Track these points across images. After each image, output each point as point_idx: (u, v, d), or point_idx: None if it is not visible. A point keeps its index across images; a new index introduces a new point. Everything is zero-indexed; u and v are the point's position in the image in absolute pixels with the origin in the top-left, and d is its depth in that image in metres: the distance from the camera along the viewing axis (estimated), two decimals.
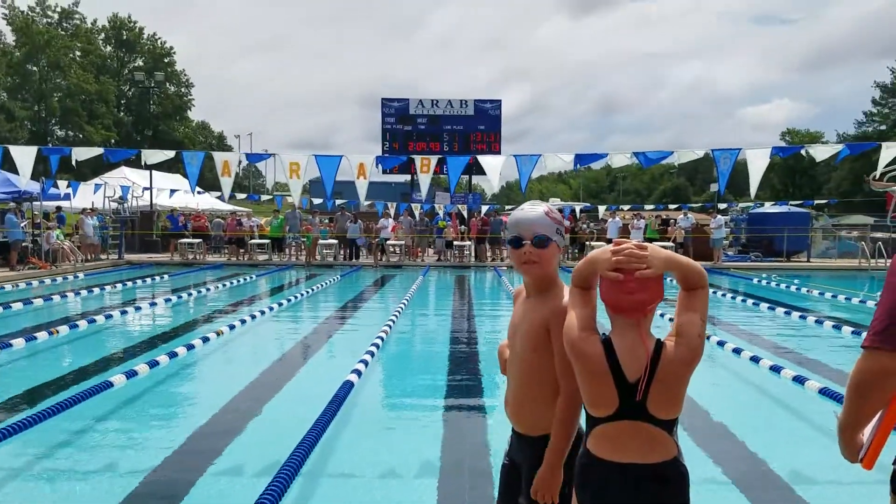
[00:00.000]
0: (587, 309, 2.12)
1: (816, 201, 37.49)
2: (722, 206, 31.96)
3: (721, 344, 8.60)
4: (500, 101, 32.03)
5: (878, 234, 25.44)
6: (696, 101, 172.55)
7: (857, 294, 14.46)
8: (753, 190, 11.67)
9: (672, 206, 34.90)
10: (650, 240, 23.56)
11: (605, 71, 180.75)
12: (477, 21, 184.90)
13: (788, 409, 6.29)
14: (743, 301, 14.06)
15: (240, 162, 16.81)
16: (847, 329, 9.94)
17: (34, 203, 21.24)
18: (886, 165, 14.14)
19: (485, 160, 13.18)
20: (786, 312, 11.95)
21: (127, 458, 4.84)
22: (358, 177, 12.32)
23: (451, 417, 5.98)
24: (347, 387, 6.19)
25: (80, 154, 13.54)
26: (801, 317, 11.47)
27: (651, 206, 36.67)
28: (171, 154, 14.13)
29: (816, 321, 10.89)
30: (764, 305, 12.89)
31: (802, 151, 14.58)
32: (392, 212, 26.53)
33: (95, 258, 22.46)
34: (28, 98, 56.50)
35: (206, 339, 8.82)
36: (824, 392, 6.20)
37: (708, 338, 9.05)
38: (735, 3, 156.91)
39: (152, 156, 13.83)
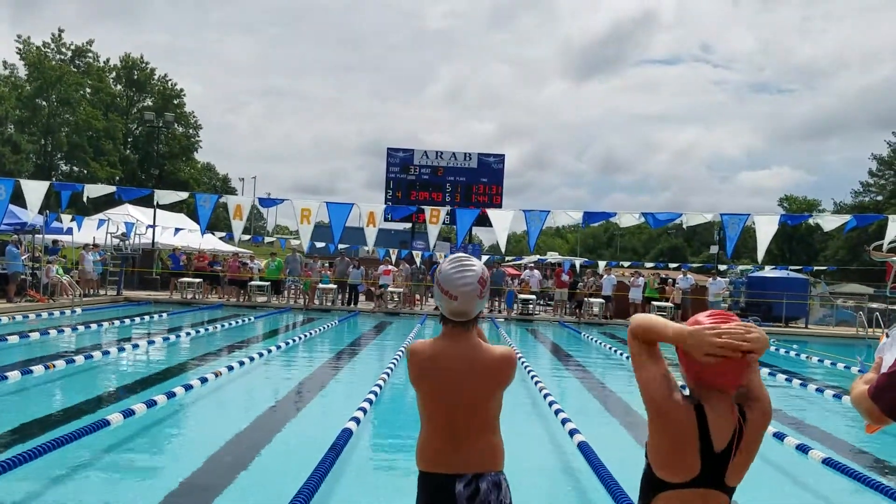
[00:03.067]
0: (662, 365, 2.07)
1: (815, 268, 37.68)
2: (722, 267, 32.05)
3: None
4: (503, 155, 32.50)
5: (875, 305, 25.48)
6: (695, 164, 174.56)
7: (855, 363, 14.41)
8: (761, 254, 11.78)
9: (672, 266, 35.04)
10: (649, 299, 23.66)
11: (606, 131, 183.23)
12: (480, 79, 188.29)
13: (791, 477, 6.22)
14: None
15: (253, 207, 16.93)
16: (847, 399, 9.88)
17: (35, 236, 21.27)
18: (894, 237, 14.27)
19: (493, 214, 13.32)
20: (787, 379, 11.90)
21: (120, 500, 4.77)
22: (367, 224, 12.42)
23: None
24: (346, 435, 6.12)
25: (93, 191, 13.65)
26: (801, 384, 11.42)
27: (651, 265, 36.79)
28: (184, 195, 14.26)
29: (817, 389, 10.84)
30: (765, 371, 12.84)
31: (810, 220, 14.75)
32: (393, 258, 26.62)
33: (94, 294, 22.39)
34: (35, 132, 57.03)
35: (204, 380, 8.75)
36: (828, 462, 6.15)
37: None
38: (732, 74, 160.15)
39: (165, 196, 13.95)
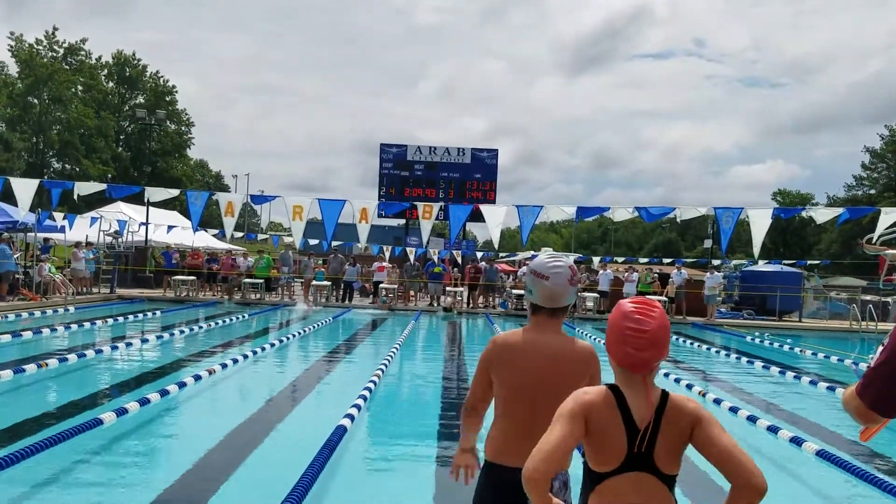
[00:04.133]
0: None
1: (808, 262, 37.78)
2: (716, 262, 32.12)
3: (717, 402, 8.55)
4: (496, 150, 32.45)
5: (868, 297, 25.58)
6: (688, 159, 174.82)
7: (849, 356, 14.47)
8: (757, 249, 11.83)
9: (666, 261, 35.08)
10: (643, 293, 23.68)
11: (599, 127, 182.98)
12: (473, 75, 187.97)
13: (785, 470, 6.24)
14: (737, 359, 14.05)
15: (245, 203, 16.87)
16: (841, 391, 9.91)
17: (28, 234, 21.16)
18: (885, 229, 14.33)
19: (486, 209, 13.29)
20: (780, 372, 11.93)
21: (113, 499, 4.74)
22: (360, 221, 12.38)
23: (444, 463, 5.90)
24: (340, 431, 6.11)
25: (83, 189, 13.58)
26: (795, 377, 11.46)
27: (645, 260, 36.82)
28: (175, 192, 14.21)
29: (811, 382, 10.87)
30: (758, 364, 12.88)
31: (803, 213, 14.79)
32: (387, 255, 26.59)
33: (87, 292, 22.30)
34: (27, 130, 56.74)
35: (197, 378, 8.72)
36: (821, 454, 6.16)
37: (703, 395, 9.03)
38: (724, 68, 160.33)
39: (156, 193, 13.89)
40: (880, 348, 2.08)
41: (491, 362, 2.68)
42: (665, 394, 2.08)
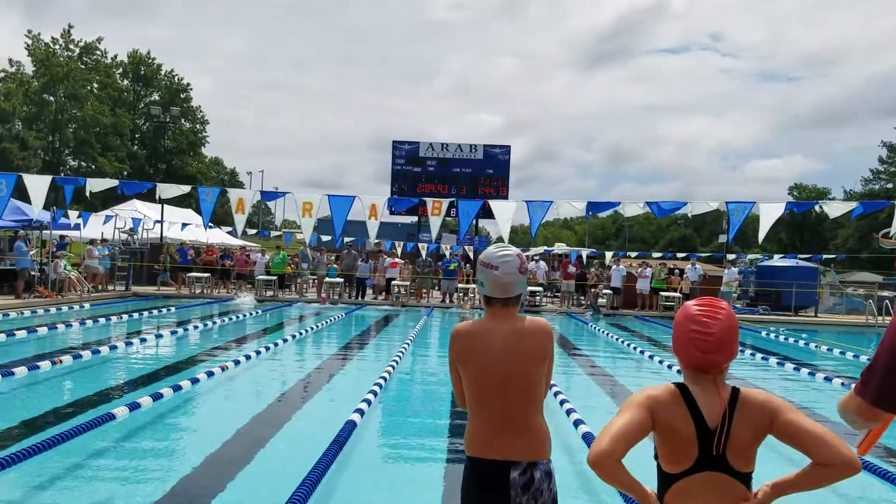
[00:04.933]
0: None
1: (825, 256, 37.43)
2: (731, 256, 31.86)
3: None
4: (508, 146, 32.37)
5: (886, 293, 25.30)
6: (704, 154, 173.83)
7: (865, 351, 14.32)
8: (761, 237, 11.71)
9: (680, 256, 34.87)
10: (656, 289, 23.54)
11: (614, 122, 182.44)
12: (486, 71, 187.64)
13: (799, 465, 6.16)
14: (752, 355, 13.94)
15: (257, 200, 16.92)
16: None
17: (43, 232, 21.35)
18: None
19: (496, 205, 13.25)
20: (795, 368, 11.83)
21: (126, 493, 4.78)
22: (369, 217, 12.38)
23: (453, 458, 5.90)
24: (350, 427, 6.11)
25: (95, 185, 13.67)
26: (810, 373, 11.35)
27: (658, 255, 36.62)
28: (186, 189, 14.27)
29: (826, 378, 10.77)
30: (773, 360, 12.77)
31: (816, 207, 14.65)
32: (399, 251, 26.60)
33: (102, 289, 22.48)
34: (43, 128, 57.23)
35: (210, 374, 8.77)
36: None
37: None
38: (740, 63, 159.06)
39: (167, 190, 13.97)
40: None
41: (456, 358, 2.69)
42: (735, 390, 2.06)
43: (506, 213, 13.06)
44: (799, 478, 1.97)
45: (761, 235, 11.60)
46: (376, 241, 23.57)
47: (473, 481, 2.59)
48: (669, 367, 11.20)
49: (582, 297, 24.99)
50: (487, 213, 14.98)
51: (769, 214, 11.64)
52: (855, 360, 13.49)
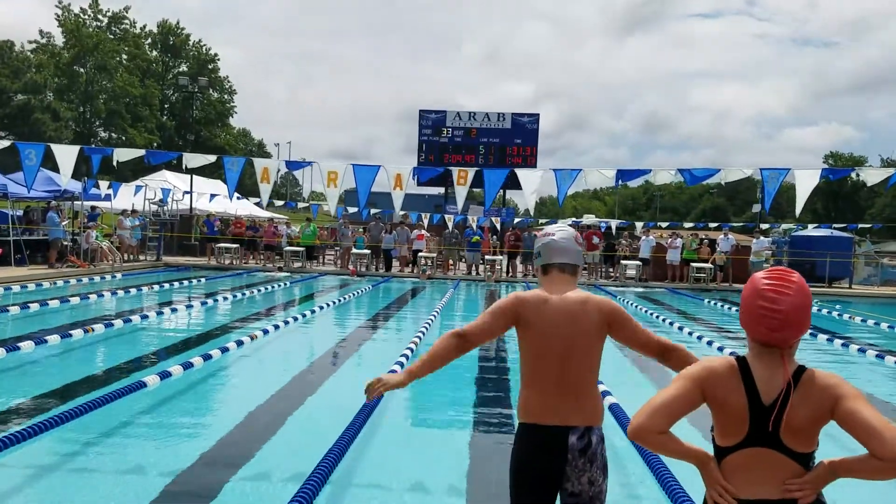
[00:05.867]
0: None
1: (860, 226, 36.67)
2: (764, 226, 31.27)
3: None
4: (537, 114, 31.91)
5: None
6: (738, 122, 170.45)
7: None
8: (799, 208, 11.44)
9: (712, 226, 34.36)
10: (688, 260, 23.22)
11: (646, 89, 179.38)
12: (517, 38, 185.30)
13: (831, 436, 6.07)
14: None
15: (279, 170, 16.94)
16: (890, 359, 9.63)
17: (75, 203, 21.65)
18: None
19: (522, 174, 13.06)
20: (828, 339, 11.62)
21: (157, 459, 4.85)
22: (395, 187, 12.31)
23: (480, 429, 5.90)
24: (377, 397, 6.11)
25: (122, 155, 13.77)
26: (843, 344, 11.15)
27: (690, 225, 36.12)
28: (212, 159, 14.33)
29: (859, 350, 10.57)
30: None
31: (853, 175, 14.30)
32: (425, 223, 26.51)
33: (134, 259, 22.81)
34: (74, 99, 57.85)
35: (240, 343, 8.85)
36: None
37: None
38: (774, 27, 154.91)
39: (193, 160, 14.04)
40: None
41: (518, 315, 2.69)
42: (801, 368, 2.00)
43: (532, 183, 12.89)
44: (855, 463, 1.90)
45: (799, 206, 11.32)
46: (402, 212, 23.52)
47: (529, 447, 2.63)
48: (699, 338, 11.07)
49: (611, 269, 24.76)
50: (514, 185, 14.80)
51: (804, 183, 11.32)
52: (890, 332, 13.23)
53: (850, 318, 15.16)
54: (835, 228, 28.57)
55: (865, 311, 16.18)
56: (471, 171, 13.13)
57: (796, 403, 1.93)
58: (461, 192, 13.53)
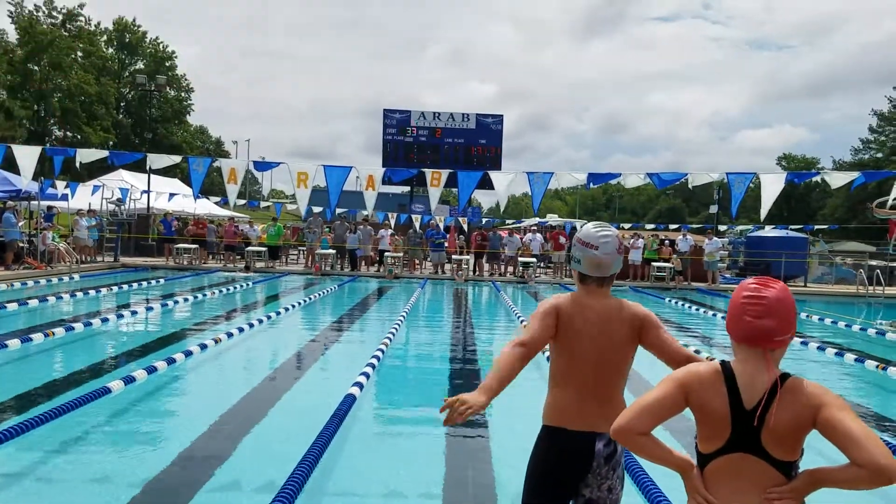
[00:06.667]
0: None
1: (815, 227, 37.59)
2: (722, 227, 31.87)
3: None
4: (501, 115, 32.08)
5: (875, 262, 25.44)
6: (695, 123, 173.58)
7: (856, 321, 14.42)
8: (764, 212, 11.72)
9: (672, 227, 34.90)
10: (648, 260, 23.59)
11: (607, 91, 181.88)
12: (481, 40, 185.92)
13: (821, 454, 6.20)
14: None
15: (247, 170, 16.69)
16: (850, 356, 9.89)
17: (32, 203, 21.08)
18: None
19: (496, 176, 13.12)
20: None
21: (123, 468, 4.73)
22: (367, 188, 12.23)
23: (453, 432, 5.89)
24: (349, 401, 6.07)
25: (85, 156, 13.44)
26: (802, 342, 11.41)
27: (651, 226, 36.65)
28: (177, 159, 14.11)
29: (818, 347, 10.83)
30: None
31: (818, 178, 14.64)
32: (392, 223, 26.43)
33: (91, 260, 22.29)
34: (28, 97, 56.28)
35: (203, 347, 8.70)
36: None
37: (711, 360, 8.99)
38: (729, 31, 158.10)
39: (158, 160, 13.76)
40: None
41: (561, 310, 2.67)
42: (786, 375, 2.01)
43: (505, 185, 12.94)
44: (836, 472, 1.89)
45: (764, 210, 11.60)
46: (366, 213, 23.35)
47: (554, 451, 2.62)
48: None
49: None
50: (482, 184, 14.86)
51: (770, 188, 11.61)
52: (846, 330, 13.59)
53: (807, 316, 15.53)
54: (791, 229, 29.25)
55: (821, 310, 16.60)
56: (444, 173, 13.12)
57: (779, 408, 1.94)
58: (434, 194, 13.49)
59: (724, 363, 2.07)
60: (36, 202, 20.65)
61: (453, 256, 24.18)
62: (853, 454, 1.81)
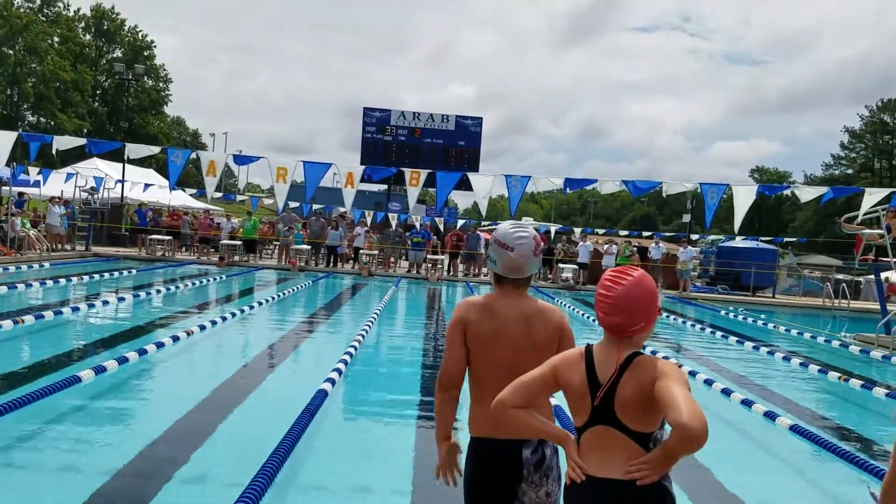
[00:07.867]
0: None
1: (785, 239, 38.21)
2: (694, 237, 32.31)
3: (693, 374, 8.65)
4: (480, 118, 32.25)
5: (841, 276, 25.94)
6: (670, 133, 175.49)
7: (821, 333, 14.71)
8: (737, 223, 11.95)
9: (645, 234, 35.26)
10: (621, 265, 23.82)
11: (585, 98, 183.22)
12: (462, 42, 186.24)
13: (758, 442, 6.36)
14: (712, 333, 14.23)
15: (226, 164, 16.56)
16: (814, 367, 10.11)
17: (2, 188, 20.73)
18: (869, 209, 14.49)
19: (474, 178, 13.23)
20: (754, 347, 12.10)
21: (91, 459, 4.70)
22: (346, 185, 12.25)
23: (424, 428, 5.94)
24: (321, 396, 6.10)
25: (62, 143, 13.27)
26: (769, 352, 11.63)
27: (625, 233, 37.02)
28: (155, 149, 13.98)
29: (784, 358, 11.05)
30: (733, 338, 13.05)
31: (788, 192, 14.93)
32: (369, 220, 26.42)
33: (62, 248, 21.98)
34: (1, 81, 55.28)
35: (175, 339, 8.66)
36: (795, 429, 6.28)
37: (680, 366, 9.14)
38: (707, 44, 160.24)
39: (137, 150, 13.65)
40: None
41: (468, 322, 2.59)
42: (636, 353, 2.16)
43: (484, 187, 13.03)
44: (669, 439, 1.98)
45: (737, 222, 11.86)
46: (343, 210, 23.31)
47: (482, 462, 2.55)
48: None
49: (549, 272, 25.17)
50: (460, 185, 14.93)
51: (741, 199, 11.85)
52: (812, 341, 13.86)
53: (774, 327, 15.81)
54: (761, 240, 29.71)
55: (788, 321, 16.90)
56: (423, 173, 13.18)
57: (625, 381, 2.10)
58: (413, 193, 13.54)
59: (588, 346, 2.24)
60: (7, 188, 20.30)
61: (429, 256, 24.20)
62: (668, 416, 1.95)
